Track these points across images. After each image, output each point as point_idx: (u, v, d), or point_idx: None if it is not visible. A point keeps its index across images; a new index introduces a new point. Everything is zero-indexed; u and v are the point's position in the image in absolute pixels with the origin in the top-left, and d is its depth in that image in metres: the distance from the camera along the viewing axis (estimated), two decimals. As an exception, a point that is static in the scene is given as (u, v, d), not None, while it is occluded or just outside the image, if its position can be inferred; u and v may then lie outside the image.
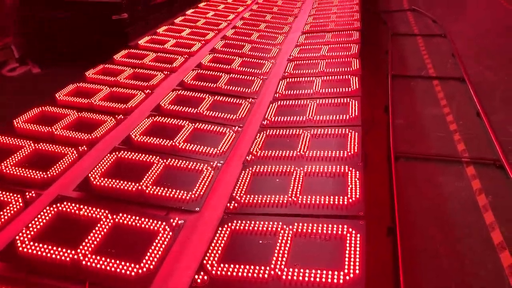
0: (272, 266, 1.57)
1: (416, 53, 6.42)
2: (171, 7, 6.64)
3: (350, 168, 2.03)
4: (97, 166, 2.15)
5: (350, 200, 1.84)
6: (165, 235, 1.74)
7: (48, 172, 2.11)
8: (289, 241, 1.67)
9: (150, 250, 1.67)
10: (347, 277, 1.52)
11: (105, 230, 1.77)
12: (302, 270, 1.54)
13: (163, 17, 6.22)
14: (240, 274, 1.56)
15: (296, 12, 4.81)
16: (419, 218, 3.25)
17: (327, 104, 2.72)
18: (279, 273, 1.54)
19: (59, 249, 1.66)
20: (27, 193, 1.98)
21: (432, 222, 3.21)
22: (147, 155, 2.23)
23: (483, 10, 8.88)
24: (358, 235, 1.66)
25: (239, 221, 1.78)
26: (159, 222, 1.80)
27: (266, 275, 1.54)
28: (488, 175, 3.70)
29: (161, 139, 2.36)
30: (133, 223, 1.81)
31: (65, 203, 1.90)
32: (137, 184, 2.02)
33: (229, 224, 1.77)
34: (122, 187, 2.01)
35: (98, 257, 1.63)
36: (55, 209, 1.87)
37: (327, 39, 3.82)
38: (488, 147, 4.07)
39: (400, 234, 3.01)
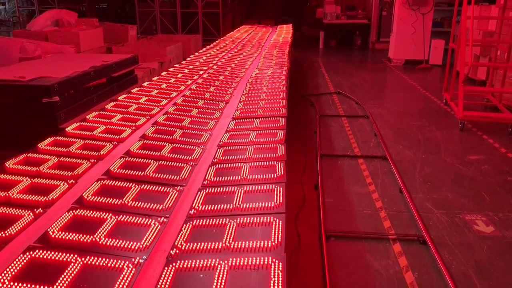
0: None
1: (342, 133, 6.85)
2: (104, 91, 6.70)
3: (274, 260, 2.04)
4: (8, 269, 1.99)
5: (273, 295, 1.84)
6: None
7: (-51, 279, 1.93)
8: None
9: None
10: None
11: None
12: None
13: (95, 101, 6.25)
14: None
15: (227, 98, 5.02)
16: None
17: (253, 191, 2.77)
18: None
19: None
20: None
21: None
22: (65, 254, 2.11)
23: (401, 93, 9.82)
24: (280, 333, 1.64)
25: (159, 325, 1.70)
26: (71, 331, 1.67)
27: None
28: (413, 252, 3.87)
29: (81, 235, 2.26)
30: (42, 335, 1.67)
31: (-36, 315, 1.73)
32: (50, 289, 1.89)
33: (148, 329, 1.69)
34: (33, 293, 1.87)
35: None
36: (-48, 324, 1.69)
37: (256, 125, 3.98)
38: (411, 223, 4.30)
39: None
